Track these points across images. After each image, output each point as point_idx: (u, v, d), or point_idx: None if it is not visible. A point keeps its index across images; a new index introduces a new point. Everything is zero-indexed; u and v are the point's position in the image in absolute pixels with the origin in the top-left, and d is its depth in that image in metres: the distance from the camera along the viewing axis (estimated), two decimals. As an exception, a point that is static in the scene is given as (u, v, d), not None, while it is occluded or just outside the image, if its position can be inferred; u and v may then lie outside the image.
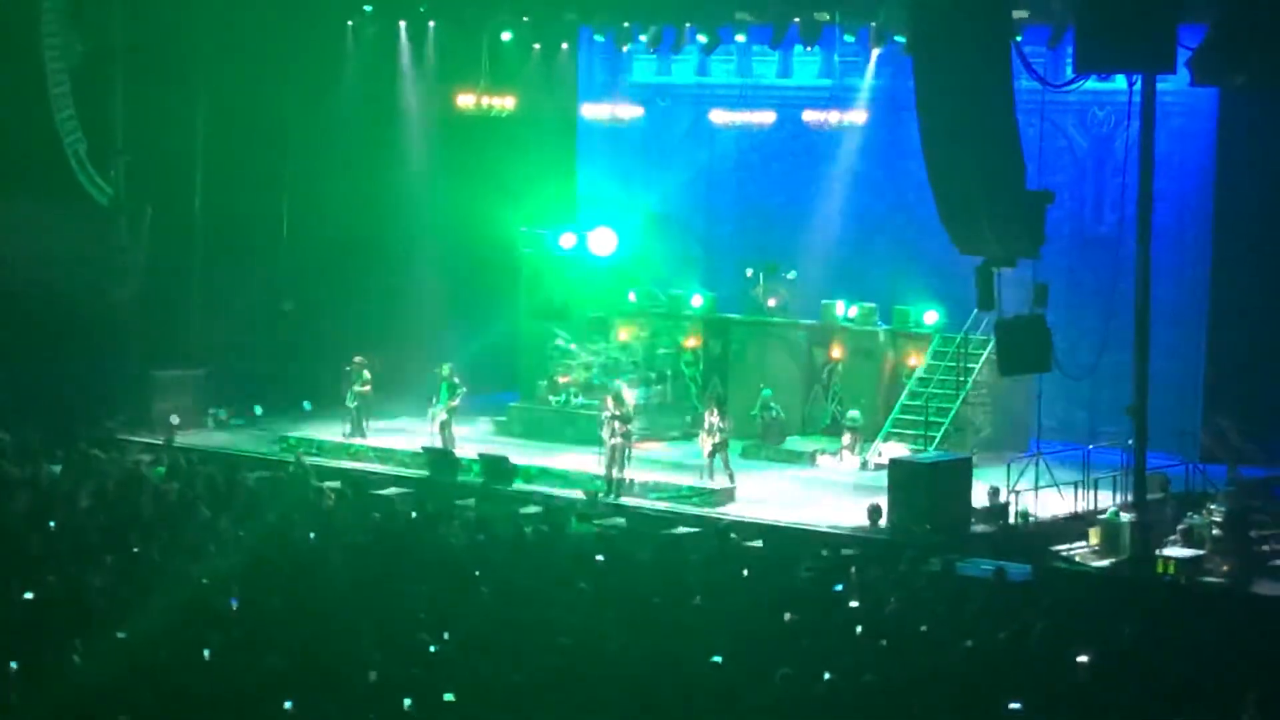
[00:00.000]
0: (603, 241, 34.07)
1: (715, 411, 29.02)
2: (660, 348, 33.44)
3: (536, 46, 35.75)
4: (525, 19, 34.64)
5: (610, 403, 28.96)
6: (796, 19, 31.43)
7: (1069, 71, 25.34)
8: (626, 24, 33.93)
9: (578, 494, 27.74)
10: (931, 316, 31.38)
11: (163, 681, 15.50)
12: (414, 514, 24.95)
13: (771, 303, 33.24)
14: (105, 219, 33.60)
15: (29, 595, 18.53)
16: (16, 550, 20.89)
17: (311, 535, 22.61)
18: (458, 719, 15.00)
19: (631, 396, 30.83)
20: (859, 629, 18.66)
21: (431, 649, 16.81)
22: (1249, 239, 30.15)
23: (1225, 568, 24.51)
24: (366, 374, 32.23)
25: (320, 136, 34.99)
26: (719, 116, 34.18)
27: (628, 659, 16.57)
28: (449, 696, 15.35)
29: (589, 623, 17.97)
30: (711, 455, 28.78)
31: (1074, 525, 26.53)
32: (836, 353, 32.17)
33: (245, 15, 33.49)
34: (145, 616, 17.69)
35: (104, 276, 33.33)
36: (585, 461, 29.52)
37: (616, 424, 28.48)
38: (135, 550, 20.95)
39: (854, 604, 19.95)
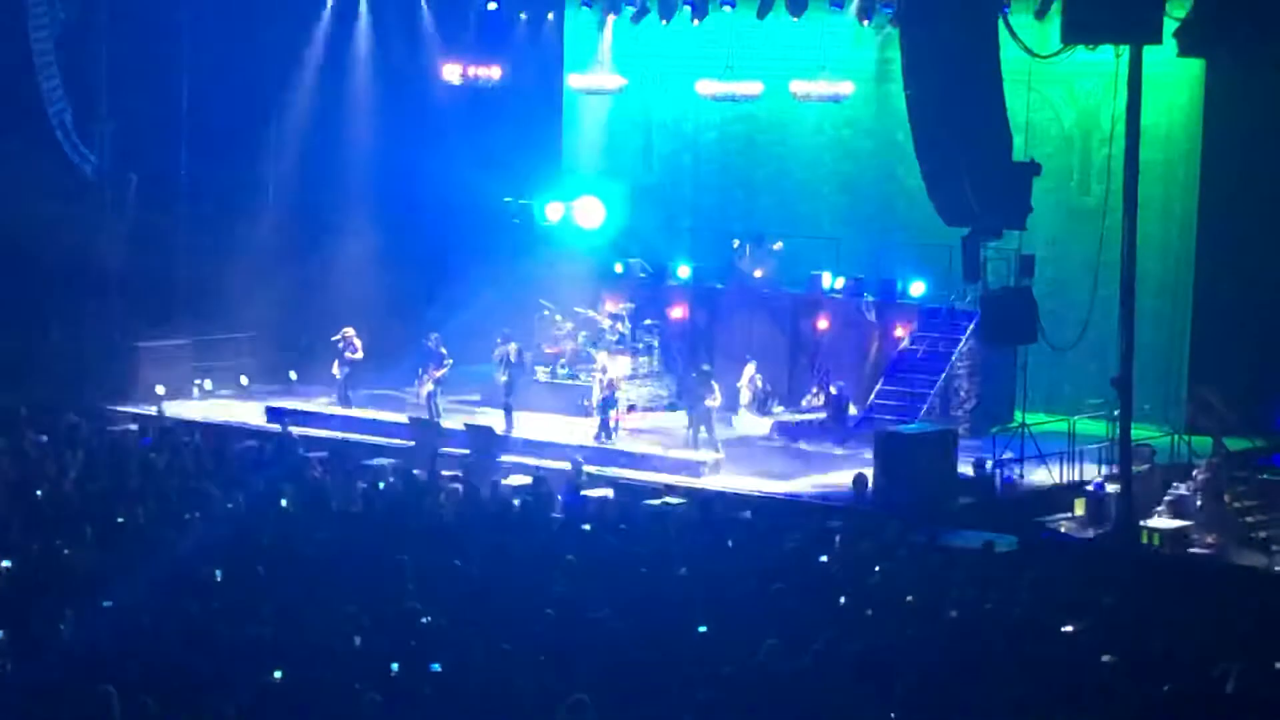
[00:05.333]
0: (589, 212, 34.04)
1: (702, 383, 29.06)
2: (646, 318, 33.42)
3: (523, 16, 35.70)
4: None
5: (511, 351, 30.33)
6: (784, -11, 31.42)
7: (1056, 42, 25.31)
8: (612, -7, 33.92)
9: (564, 465, 27.76)
10: (918, 288, 31.41)
11: (149, 651, 15.51)
12: (400, 484, 24.97)
13: (758, 273, 33.25)
14: (90, 188, 33.52)
15: (7, 564, 18.53)
16: (2, 520, 20.88)
17: (298, 505, 22.61)
18: (444, 688, 15.02)
19: (620, 367, 30.87)
20: (843, 599, 18.71)
21: (424, 620, 16.83)
22: (1234, 211, 30.18)
23: (1210, 539, 24.61)
24: (354, 343, 32.24)
25: (305, 105, 34.89)
26: (706, 87, 34.13)
27: (613, 629, 16.61)
28: (435, 666, 15.39)
29: (575, 593, 18.00)
30: (697, 426, 28.82)
31: (1059, 496, 26.61)
32: (822, 324, 32.17)
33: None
34: (131, 586, 17.70)
35: (89, 245, 33.24)
36: (571, 431, 29.58)
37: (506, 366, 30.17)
38: (121, 520, 20.95)
39: (837, 573, 20.00)
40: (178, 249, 34.60)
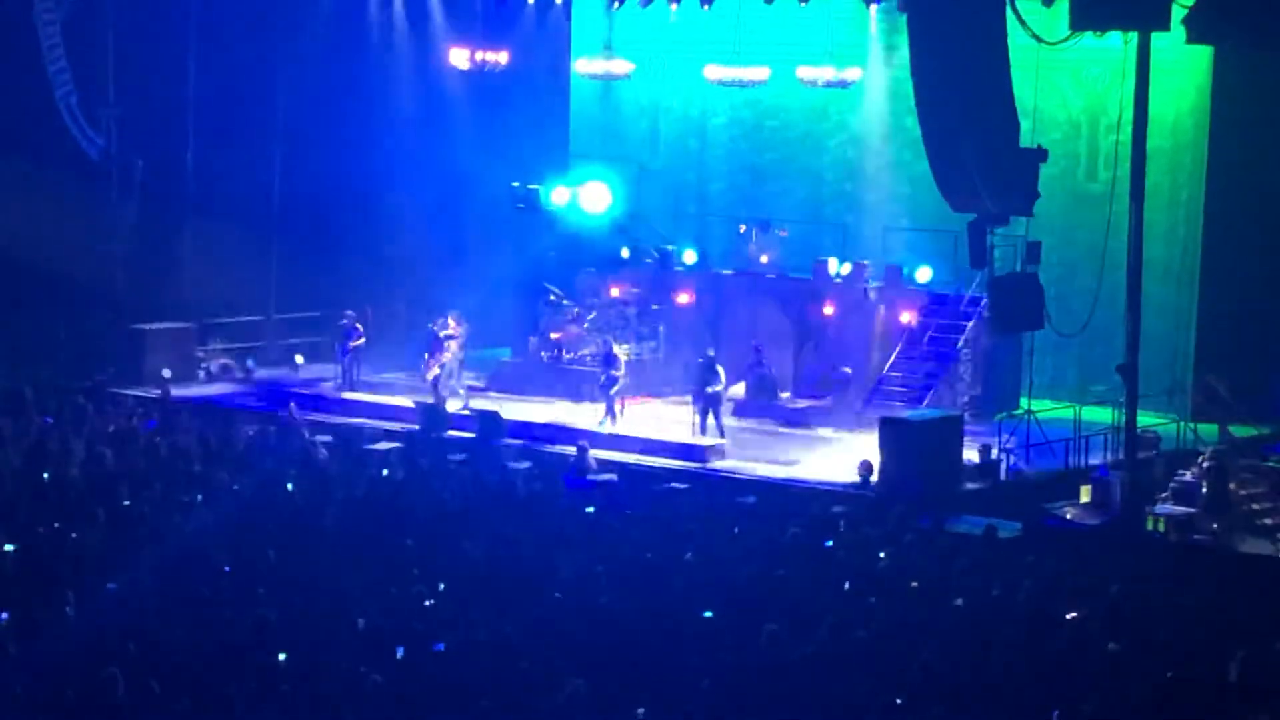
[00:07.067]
0: (595, 197, 33.98)
1: (708, 368, 29.05)
2: (652, 304, 33.38)
3: (530, 1, 35.64)
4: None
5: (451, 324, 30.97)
6: (792, -26, 31.37)
7: (1064, 28, 25.26)
8: (620, -22, 33.86)
9: (569, 450, 27.78)
10: (924, 274, 31.35)
11: (154, 634, 15.54)
12: (406, 468, 24.99)
13: (764, 259, 33.20)
14: (97, 172, 33.53)
15: (11, 547, 18.55)
16: (8, 502, 20.92)
17: (304, 489, 22.63)
18: (448, 670, 15.05)
19: (624, 352, 30.87)
20: (847, 585, 18.72)
21: (428, 603, 16.86)
22: (1241, 198, 30.14)
23: (1215, 526, 24.58)
24: (359, 328, 32.28)
25: (312, 90, 34.86)
26: (713, 72, 34.08)
27: (618, 613, 16.63)
28: (439, 647, 15.43)
29: (579, 577, 18.01)
30: (703, 412, 28.81)
31: (1064, 483, 26.59)
32: (829, 309, 32.12)
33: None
34: (136, 569, 17.73)
35: (95, 230, 33.26)
36: (577, 416, 29.58)
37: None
38: (127, 503, 20.97)
39: (842, 559, 20.00)
40: (184, 232, 34.60)
